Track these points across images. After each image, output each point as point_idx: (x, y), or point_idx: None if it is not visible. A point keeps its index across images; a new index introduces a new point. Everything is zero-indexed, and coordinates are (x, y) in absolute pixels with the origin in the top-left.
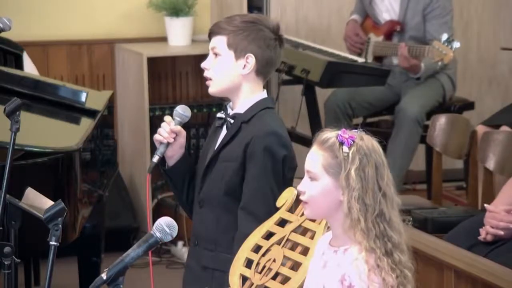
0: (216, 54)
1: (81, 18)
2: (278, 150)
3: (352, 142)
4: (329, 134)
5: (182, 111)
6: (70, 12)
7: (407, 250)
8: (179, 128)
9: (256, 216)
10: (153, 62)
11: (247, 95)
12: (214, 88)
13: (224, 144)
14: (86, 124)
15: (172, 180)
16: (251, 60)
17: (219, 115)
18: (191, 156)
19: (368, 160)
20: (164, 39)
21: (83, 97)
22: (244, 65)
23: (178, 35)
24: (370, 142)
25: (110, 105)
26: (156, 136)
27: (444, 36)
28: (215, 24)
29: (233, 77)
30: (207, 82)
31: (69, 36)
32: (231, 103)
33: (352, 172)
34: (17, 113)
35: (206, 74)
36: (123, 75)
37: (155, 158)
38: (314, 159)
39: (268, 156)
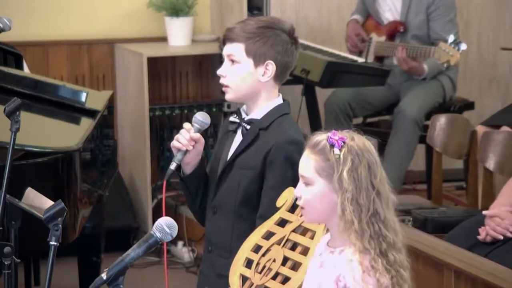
0: (233, 61)
1: (81, 18)
2: (299, 159)
3: (342, 144)
4: (320, 137)
5: (202, 118)
6: (70, 12)
7: (403, 248)
8: (198, 135)
9: None
10: (153, 62)
11: (264, 100)
12: (232, 95)
13: (240, 151)
14: (86, 124)
15: (188, 186)
16: (271, 67)
17: (232, 119)
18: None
19: (360, 160)
20: (164, 39)
21: (83, 97)
22: (264, 72)
23: (178, 35)
24: (361, 141)
25: (110, 105)
26: (174, 143)
27: (451, 38)
28: (229, 29)
29: (251, 84)
30: (224, 89)
31: (69, 36)
32: (244, 107)
33: (345, 173)
34: (17, 113)
35: (223, 81)
36: (123, 75)
37: (173, 166)
38: (307, 163)
39: (288, 165)
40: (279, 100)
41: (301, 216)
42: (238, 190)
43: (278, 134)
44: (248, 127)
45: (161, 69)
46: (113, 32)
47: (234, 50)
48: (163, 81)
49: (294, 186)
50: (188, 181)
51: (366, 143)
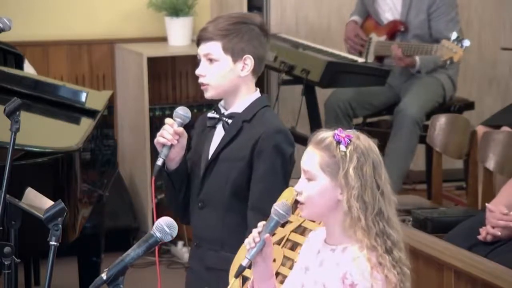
0: (211, 60)
1: (81, 18)
2: (287, 148)
3: (349, 141)
4: (326, 134)
5: (183, 112)
6: (70, 12)
7: (404, 248)
8: (182, 129)
9: (266, 215)
10: (153, 62)
11: (244, 94)
12: (212, 92)
13: (224, 145)
14: (86, 124)
15: (173, 182)
16: (250, 61)
17: (210, 115)
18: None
19: (366, 159)
20: (164, 39)
21: (83, 97)
22: (243, 67)
23: (178, 35)
24: (366, 141)
25: (110, 105)
26: (159, 139)
27: (454, 35)
28: (203, 29)
29: (231, 80)
30: (203, 88)
31: (69, 36)
32: (222, 102)
33: (351, 170)
34: (17, 113)
35: (202, 80)
36: (123, 75)
37: (159, 161)
38: (311, 159)
39: (277, 155)
40: (257, 94)
41: (299, 214)
42: (227, 184)
43: (265, 125)
44: (230, 121)
45: (161, 69)
46: (113, 32)
47: (211, 48)
48: (163, 81)
49: (283, 175)
50: (173, 177)
51: (371, 143)
